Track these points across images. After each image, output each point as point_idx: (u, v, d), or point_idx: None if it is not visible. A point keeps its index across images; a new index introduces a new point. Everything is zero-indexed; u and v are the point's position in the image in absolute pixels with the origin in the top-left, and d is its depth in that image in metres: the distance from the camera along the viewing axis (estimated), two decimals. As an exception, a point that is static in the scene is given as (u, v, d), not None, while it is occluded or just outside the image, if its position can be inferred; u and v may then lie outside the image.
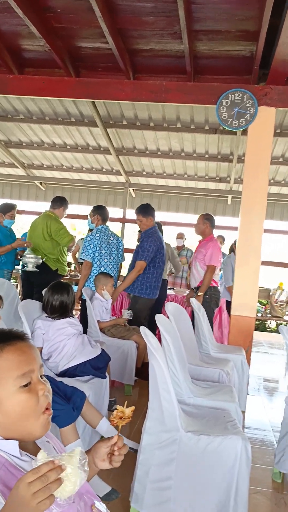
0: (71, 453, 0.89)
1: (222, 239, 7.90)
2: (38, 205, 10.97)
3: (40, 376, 1.07)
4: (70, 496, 0.87)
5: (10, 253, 5.31)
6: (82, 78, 4.96)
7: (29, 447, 1.06)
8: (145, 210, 4.95)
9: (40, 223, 5.29)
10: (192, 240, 7.36)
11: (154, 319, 2.67)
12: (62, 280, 4.78)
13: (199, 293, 5.00)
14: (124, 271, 5.80)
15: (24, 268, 5.24)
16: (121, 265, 5.08)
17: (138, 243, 5.22)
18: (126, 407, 1.16)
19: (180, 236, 7.60)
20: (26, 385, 1.02)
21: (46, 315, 3.14)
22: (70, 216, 6.96)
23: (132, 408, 1.17)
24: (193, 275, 5.25)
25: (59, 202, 5.56)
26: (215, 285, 5.15)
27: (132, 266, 4.90)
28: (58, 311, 3.13)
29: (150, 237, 4.77)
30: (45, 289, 3.25)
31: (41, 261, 5.08)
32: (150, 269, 4.75)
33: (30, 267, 5.05)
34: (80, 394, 2.56)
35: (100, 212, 4.98)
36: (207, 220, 5.29)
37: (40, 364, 1.08)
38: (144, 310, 4.79)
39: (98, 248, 4.76)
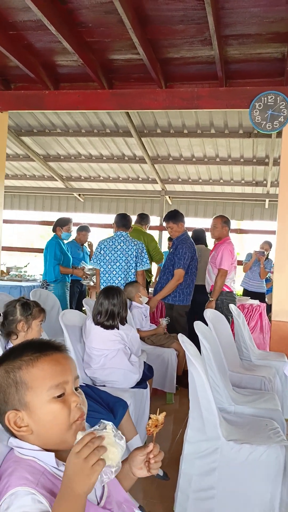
0: (103, 428, 0.95)
1: (268, 245, 7.68)
2: (77, 216, 11.17)
3: (75, 388, 1.08)
4: (118, 463, 0.94)
5: (65, 263, 5.59)
6: (116, 90, 5.03)
7: (66, 456, 1.08)
8: (174, 217, 4.91)
9: (134, 237, 5.39)
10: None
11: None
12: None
13: (211, 299, 4.78)
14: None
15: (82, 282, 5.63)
16: (141, 272, 4.75)
17: (170, 251, 5.19)
18: (159, 414, 1.17)
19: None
20: (59, 396, 1.03)
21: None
22: (108, 225, 7.18)
23: (164, 413, 1.18)
24: (206, 280, 5.08)
25: (146, 219, 6.02)
26: (228, 290, 4.87)
27: (164, 273, 4.89)
28: (105, 317, 3.10)
29: (184, 243, 4.74)
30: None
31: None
32: (184, 276, 4.72)
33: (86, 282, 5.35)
34: (122, 403, 2.57)
35: (116, 219, 4.90)
36: (225, 223, 5.06)
37: (76, 376, 1.09)
38: (180, 317, 4.77)
39: (102, 255, 4.69)
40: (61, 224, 5.68)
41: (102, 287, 4.63)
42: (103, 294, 3.17)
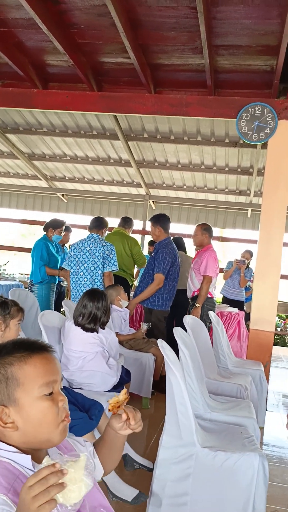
0: (76, 459, 0.88)
1: (249, 254, 7.76)
2: (60, 217, 11.09)
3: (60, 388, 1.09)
4: (76, 503, 0.86)
5: (51, 265, 5.57)
6: (105, 92, 5.03)
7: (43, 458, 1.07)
8: (154, 219, 4.94)
9: (118, 240, 5.56)
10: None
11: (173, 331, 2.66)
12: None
13: (197, 305, 4.79)
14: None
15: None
16: (108, 273, 4.68)
17: (151, 255, 5.19)
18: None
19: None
20: (49, 394, 1.04)
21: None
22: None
23: (124, 390, 1.20)
24: (188, 286, 5.10)
25: (129, 222, 5.99)
26: (208, 295, 4.88)
27: (144, 277, 4.89)
28: (88, 319, 3.09)
29: (165, 248, 4.75)
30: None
31: None
32: (164, 281, 4.73)
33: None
34: (98, 406, 2.57)
35: (90, 222, 4.96)
36: (205, 231, 5.11)
37: (62, 377, 1.11)
38: (158, 322, 4.78)
39: (72, 257, 4.72)
40: (54, 225, 5.70)
41: (71, 288, 4.73)
42: (88, 296, 3.15)
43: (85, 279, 4.65)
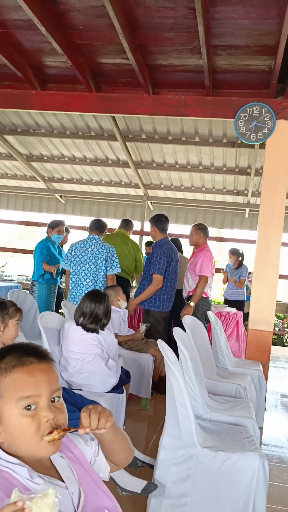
0: (44, 494, 0.83)
1: (234, 255, 7.83)
2: (58, 218, 11.09)
3: (54, 398, 1.03)
4: None
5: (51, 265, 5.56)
6: (103, 93, 5.03)
7: (46, 463, 1.06)
8: (151, 219, 4.97)
9: (121, 241, 5.63)
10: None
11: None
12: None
13: (191, 303, 4.78)
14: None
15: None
16: (111, 276, 4.76)
17: (148, 256, 5.19)
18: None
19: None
20: (28, 408, 0.99)
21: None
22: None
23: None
24: (184, 286, 5.09)
25: (130, 224, 6.04)
26: (204, 296, 4.86)
27: (143, 278, 4.90)
28: (89, 319, 3.09)
29: (160, 248, 4.75)
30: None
31: None
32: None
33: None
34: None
35: (90, 223, 5.02)
36: (200, 230, 5.10)
37: (55, 388, 1.04)
38: (156, 323, 4.77)
39: (72, 257, 4.74)
40: (52, 226, 5.75)
41: (70, 288, 4.75)
42: (90, 297, 3.16)
43: (87, 280, 4.67)
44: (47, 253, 5.53)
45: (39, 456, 1.01)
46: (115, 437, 1.16)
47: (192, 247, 5.30)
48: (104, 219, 5.17)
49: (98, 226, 4.90)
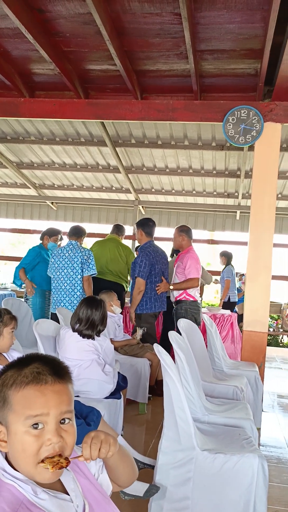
0: None
1: (223, 257, 7.92)
2: (49, 224, 11.08)
3: (64, 419, 1.01)
4: None
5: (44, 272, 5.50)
6: (91, 100, 5.05)
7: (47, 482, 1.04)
8: (137, 223, 5.05)
9: (113, 246, 5.73)
10: (203, 255, 7.39)
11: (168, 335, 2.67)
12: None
13: (170, 287, 4.81)
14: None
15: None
16: (86, 278, 4.87)
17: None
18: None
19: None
20: (35, 427, 0.98)
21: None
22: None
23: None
24: (172, 291, 4.99)
25: (122, 229, 6.13)
26: (192, 299, 4.82)
27: (132, 282, 4.93)
28: (85, 325, 3.09)
29: (143, 251, 4.80)
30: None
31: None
32: (146, 284, 4.74)
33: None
34: (96, 412, 2.56)
35: (69, 230, 5.21)
36: (182, 232, 5.03)
37: (66, 410, 1.02)
38: (150, 327, 4.78)
39: (52, 264, 4.99)
40: (50, 234, 5.82)
41: (52, 293, 5.00)
42: (86, 303, 3.16)
43: (65, 284, 4.87)
44: (31, 260, 5.54)
45: (36, 479, 0.99)
46: (120, 462, 1.16)
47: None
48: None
49: (75, 232, 5.12)
